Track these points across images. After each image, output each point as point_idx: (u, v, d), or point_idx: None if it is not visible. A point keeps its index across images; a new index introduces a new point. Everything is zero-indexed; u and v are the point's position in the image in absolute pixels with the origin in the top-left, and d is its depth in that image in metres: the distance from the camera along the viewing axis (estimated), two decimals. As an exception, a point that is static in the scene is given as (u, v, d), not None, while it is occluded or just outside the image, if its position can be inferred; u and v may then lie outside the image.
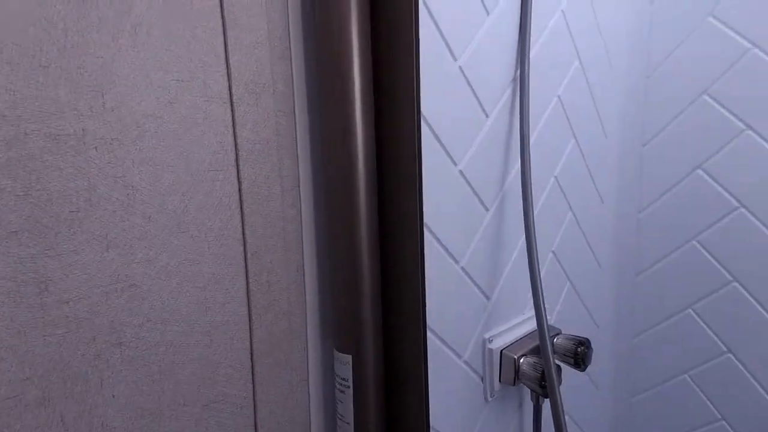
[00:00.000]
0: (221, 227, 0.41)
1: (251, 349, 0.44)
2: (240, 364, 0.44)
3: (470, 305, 0.74)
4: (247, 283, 0.43)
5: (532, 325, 0.85)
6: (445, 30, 0.62)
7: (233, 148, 0.41)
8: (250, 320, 0.44)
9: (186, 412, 0.41)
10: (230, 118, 0.41)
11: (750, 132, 0.94)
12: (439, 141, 0.64)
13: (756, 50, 0.92)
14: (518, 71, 0.76)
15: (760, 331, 0.98)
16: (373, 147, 0.47)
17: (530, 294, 0.86)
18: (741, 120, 0.95)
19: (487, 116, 0.72)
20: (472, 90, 0.68)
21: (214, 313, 0.42)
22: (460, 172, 0.69)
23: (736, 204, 0.98)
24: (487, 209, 0.75)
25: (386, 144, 0.49)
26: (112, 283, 0.36)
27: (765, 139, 0.93)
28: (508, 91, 0.75)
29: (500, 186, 0.77)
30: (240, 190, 0.42)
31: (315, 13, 0.44)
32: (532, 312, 0.87)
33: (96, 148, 0.34)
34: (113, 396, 0.37)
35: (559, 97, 0.87)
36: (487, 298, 0.78)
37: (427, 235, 0.64)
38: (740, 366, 1.02)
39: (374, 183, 0.48)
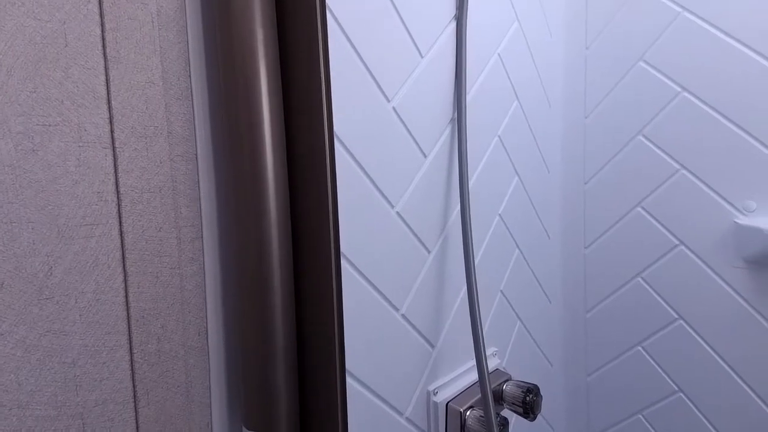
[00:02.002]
0: (96, 290, 0.35)
1: (137, 429, 0.38)
2: (122, 450, 0.37)
3: (413, 356, 0.70)
4: (131, 353, 0.37)
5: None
6: (376, 72, 0.60)
7: (115, 199, 0.36)
8: (135, 397, 0.38)
9: None
10: (112, 164, 0.36)
11: (684, 171, 0.97)
12: (373, 182, 0.61)
13: (685, 93, 0.96)
14: (456, 113, 0.75)
15: (707, 370, 0.98)
16: (286, 190, 0.44)
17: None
18: (675, 160, 0.98)
19: (425, 156, 0.70)
20: (408, 131, 0.66)
21: (87, 392, 0.35)
22: (398, 213, 0.66)
23: (676, 242, 1.00)
24: (428, 251, 0.72)
25: (300, 186, 0.45)
26: (-54, 365, 0.30)
27: (699, 179, 0.96)
28: (447, 132, 0.74)
29: (442, 227, 0.75)
30: (122, 245, 0.37)
31: (218, 50, 0.41)
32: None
33: (-74, 204, 0.29)
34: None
35: (499, 136, 0.87)
36: (432, 346, 0.74)
37: (362, 282, 0.60)
38: (691, 405, 1.01)
39: (288, 231, 0.44)
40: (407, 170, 0.67)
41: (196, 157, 0.42)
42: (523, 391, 0.76)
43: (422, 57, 0.68)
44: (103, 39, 0.35)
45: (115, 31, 0.36)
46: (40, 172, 0.33)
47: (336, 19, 0.52)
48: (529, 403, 0.75)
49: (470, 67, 0.77)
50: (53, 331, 0.34)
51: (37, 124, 0.33)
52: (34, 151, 0.33)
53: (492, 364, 0.86)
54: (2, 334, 0.32)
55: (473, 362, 0.82)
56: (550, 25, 1.04)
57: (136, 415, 0.38)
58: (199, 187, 0.42)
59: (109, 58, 0.36)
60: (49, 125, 0.33)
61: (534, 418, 0.77)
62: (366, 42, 0.58)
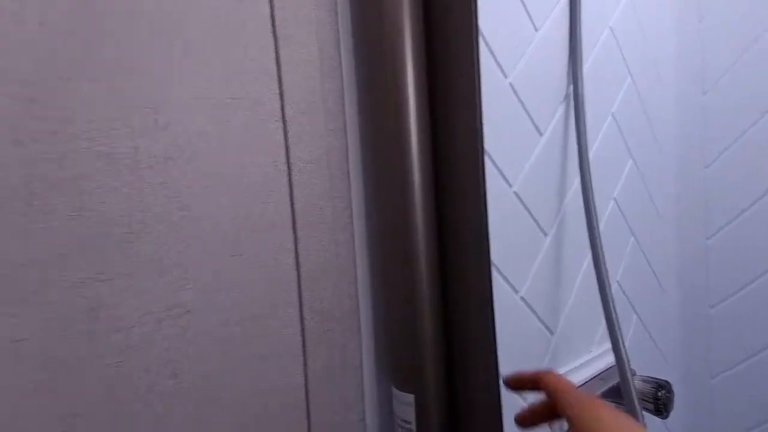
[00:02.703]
0: (275, 250, 0.38)
1: (306, 384, 0.40)
2: (294, 400, 0.40)
3: (532, 340, 0.67)
4: (301, 311, 0.40)
5: (602, 363, 0.76)
6: (495, 46, 0.60)
7: (286, 168, 0.39)
8: (304, 352, 0.40)
9: (235, 457, 0.37)
10: (283, 136, 0.39)
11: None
12: (492, 160, 0.60)
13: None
14: (571, 87, 0.72)
15: None
16: (431, 170, 0.44)
17: (600, 328, 0.78)
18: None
19: (540, 134, 0.68)
20: (524, 107, 0.65)
21: (267, 344, 0.38)
22: (515, 193, 0.65)
23: (823, 225, 0.88)
24: (545, 233, 0.70)
25: (444, 166, 0.46)
26: (167, 309, 0.34)
27: None
28: (561, 109, 0.71)
29: (558, 208, 0.72)
30: (293, 211, 0.39)
31: (366, 29, 0.43)
32: (602, 348, 0.79)
33: (150, 167, 0.33)
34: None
35: (613, 114, 0.82)
36: (551, 332, 0.71)
37: (483, 261, 0.59)
38: None
39: (432, 205, 0.44)
40: (523, 148, 0.66)
41: (345, 132, 0.44)
42: (653, 387, 0.71)
43: (537, 30, 0.66)
44: (273, 18, 0.39)
45: (282, 10, 0.39)
46: (230, 142, 0.37)
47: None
48: (661, 400, 0.69)
49: (583, 42, 0.74)
50: (242, 285, 0.37)
51: (226, 98, 0.37)
52: (225, 121, 0.36)
53: (610, 358, 0.81)
54: (204, 285, 0.36)
55: (593, 354, 0.78)
56: (659, -4, 0.98)
57: (305, 369, 0.40)
58: (348, 159, 0.44)
59: (278, 36, 0.39)
60: (235, 98, 0.37)
61: (666, 416, 0.71)
62: (483, 14, 0.58)
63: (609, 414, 0.28)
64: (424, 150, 0.44)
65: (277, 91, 0.39)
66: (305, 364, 0.40)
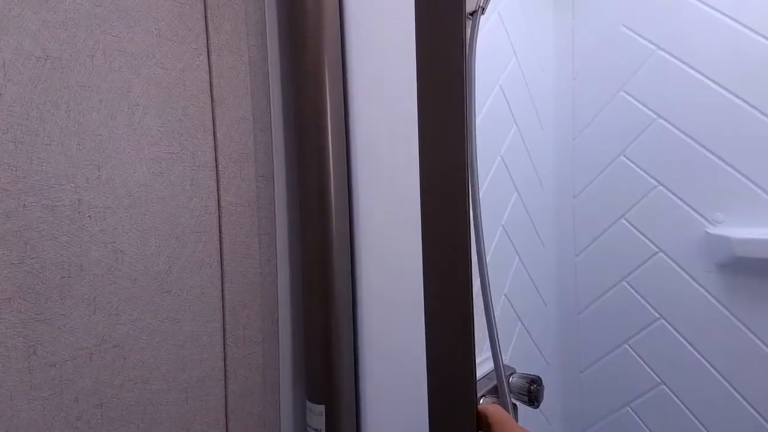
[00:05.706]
0: (202, 285, 0.44)
1: (226, 403, 0.46)
2: (215, 419, 0.45)
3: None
4: (224, 338, 0.45)
5: (488, 366, 0.90)
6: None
7: (216, 211, 0.45)
8: (225, 375, 0.46)
9: (163, 472, 0.41)
10: (215, 184, 0.45)
11: (661, 188, 1.10)
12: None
13: (660, 120, 1.09)
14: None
15: (686, 363, 1.09)
16: (346, 208, 0.52)
17: (486, 335, 0.92)
18: (653, 177, 1.11)
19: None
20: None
21: (191, 370, 0.43)
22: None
23: (656, 249, 1.11)
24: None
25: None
26: (97, 344, 0.38)
27: (674, 194, 1.08)
28: (458, 153, 0.84)
29: (454, 237, 0.84)
30: (221, 249, 0.45)
31: (293, 91, 0.50)
32: (488, 353, 0.93)
33: (90, 216, 0.37)
34: (87, 460, 0.38)
35: (501, 156, 0.97)
36: (446, 342, 0.82)
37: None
38: (673, 396, 1.12)
39: (347, 242, 0.52)
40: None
41: (273, 178, 0.50)
42: (527, 382, 0.85)
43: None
44: (211, 84, 0.44)
45: (219, 78, 0.45)
46: (165, 190, 0.41)
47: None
48: (533, 392, 0.84)
49: (477, 96, 0.88)
50: (170, 319, 0.42)
51: (164, 152, 0.41)
52: (161, 173, 0.41)
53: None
54: (133, 321, 0.40)
55: (481, 357, 0.91)
56: (541, 59, 1.16)
57: (225, 390, 0.46)
58: (274, 201, 0.51)
59: (215, 99, 0.44)
60: (173, 152, 0.42)
61: (537, 406, 0.86)
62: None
63: None
64: (341, 196, 0.51)
65: (212, 145, 0.45)
66: (226, 386, 0.45)
